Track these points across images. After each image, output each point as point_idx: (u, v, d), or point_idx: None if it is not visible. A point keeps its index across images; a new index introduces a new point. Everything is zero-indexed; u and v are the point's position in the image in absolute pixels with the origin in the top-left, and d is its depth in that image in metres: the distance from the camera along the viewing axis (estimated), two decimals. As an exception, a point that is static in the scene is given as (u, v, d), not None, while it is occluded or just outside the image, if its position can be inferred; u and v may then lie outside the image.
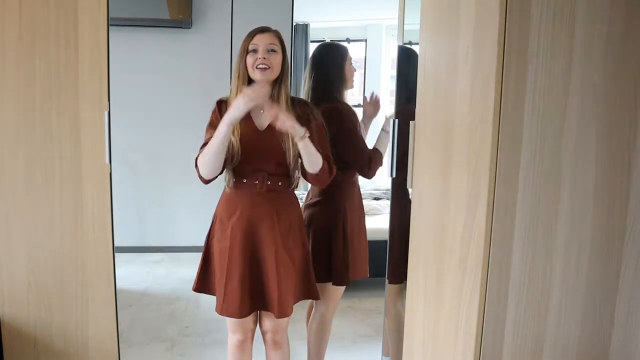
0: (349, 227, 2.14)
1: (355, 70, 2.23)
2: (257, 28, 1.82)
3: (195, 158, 1.82)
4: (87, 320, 2.01)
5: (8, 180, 1.93)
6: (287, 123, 1.68)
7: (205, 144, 1.78)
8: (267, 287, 1.82)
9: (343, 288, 2.21)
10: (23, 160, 1.92)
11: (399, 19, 2.06)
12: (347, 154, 2.09)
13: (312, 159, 1.77)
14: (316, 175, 1.81)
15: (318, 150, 1.78)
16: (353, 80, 2.22)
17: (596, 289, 1.38)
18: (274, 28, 1.85)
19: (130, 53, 4.11)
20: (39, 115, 1.90)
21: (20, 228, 1.95)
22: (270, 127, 1.80)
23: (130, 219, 4.31)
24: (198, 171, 1.79)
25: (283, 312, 1.82)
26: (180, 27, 4.12)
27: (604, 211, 1.34)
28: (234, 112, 1.68)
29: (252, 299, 1.84)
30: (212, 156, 1.73)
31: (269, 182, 1.81)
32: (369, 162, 2.12)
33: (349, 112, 2.13)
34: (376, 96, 2.30)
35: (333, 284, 2.15)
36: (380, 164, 2.17)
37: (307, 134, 1.72)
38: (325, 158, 1.82)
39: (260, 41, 1.79)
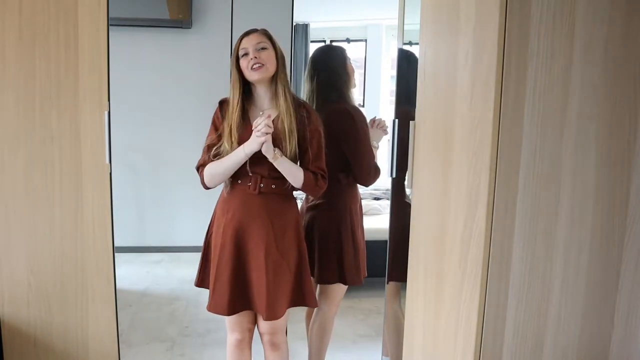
0: (356, 227, 2.15)
1: (354, 69, 2.23)
2: (244, 32, 1.83)
3: (197, 165, 1.86)
4: (87, 320, 2.01)
5: (8, 180, 1.93)
6: (263, 139, 1.70)
7: (208, 147, 1.83)
8: (256, 288, 1.82)
9: (345, 288, 2.21)
10: (23, 160, 1.92)
11: (399, 19, 2.06)
12: (354, 161, 2.08)
13: (290, 177, 1.80)
14: (300, 188, 1.84)
15: (314, 157, 1.82)
16: (354, 79, 2.23)
17: (596, 289, 1.38)
18: (260, 28, 1.85)
19: (130, 53, 4.11)
20: (39, 115, 1.90)
21: (20, 228, 1.95)
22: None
23: (130, 219, 4.31)
24: (202, 179, 1.84)
25: (272, 315, 1.81)
26: (180, 27, 4.12)
27: (604, 211, 1.34)
28: (252, 146, 1.73)
29: (241, 298, 1.83)
30: (221, 175, 1.81)
31: (261, 185, 1.81)
32: (374, 174, 2.12)
33: (358, 114, 2.11)
34: (379, 120, 2.27)
35: (347, 284, 2.15)
36: (379, 175, 2.17)
37: (278, 156, 1.75)
38: (314, 169, 1.83)
39: (248, 42, 1.79)
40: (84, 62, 1.88)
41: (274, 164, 1.76)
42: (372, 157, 2.13)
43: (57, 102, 1.90)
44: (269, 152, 1.74)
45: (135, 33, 4.10)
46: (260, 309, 1.82)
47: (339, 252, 2.12)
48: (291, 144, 1.79)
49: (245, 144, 1.75)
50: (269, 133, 1.70)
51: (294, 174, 1.80)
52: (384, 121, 2.27)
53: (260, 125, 1.70)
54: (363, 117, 2.14)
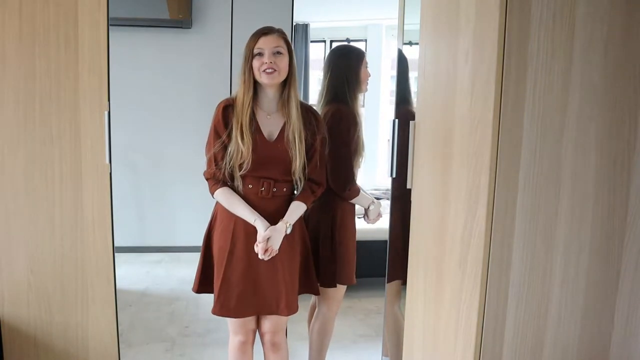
0: (338, 230, 2.13)
1: (370, 75, 2.22)
2: (261, 29, 1.80)
3: (206, 176, 1.86)
4: (87, 320, 2.01)
5: (8, 180, 1.93)
6: (273, 250, 1.78)
7: (215, 157, 1.81)
8: (270, 289, 1.83)
9: (344, 289, 2.21)
10: (23, 160, 1.92)
11: (399, 19, 2.05)
12: (330, 161, 2.05)
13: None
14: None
15: (318, 165, 1.87)
16: (367, 84, 2.22)
17: (596, 289, 1.38)
18: (277, 28, 1.83)
19: (130, 53, 4.10)
20: (39, 115, 1.90)
21: (20, 228, 1.95)
22: (279, 138, 1.81)
23: (130, 219, 4.31)
24: (211, 191, 1.86)
25: (292, 310, 1.85)
26: (180, 27, 4.12)
27: (604, 211, 1.34)
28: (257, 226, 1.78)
29: (251, 302, 1.84)
30: (229, 210, 1.83)
31: (274, 189, 1.81)
32: (343, 189, 2.10)
33: (349, 120, 2.10)
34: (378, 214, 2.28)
35: (320, 286, 2.14)
36: (355, 196, 2.15)
37: (289, 225, 1.80)
38: (314, 178, 1.86)
39: (266, 44, 1.76)
40: (84, 62, 1.88)
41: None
42: (349, 164, 2.10)
43: (57, 102, 1.90)
44: (279, 243, 1.79)
45: (135, 33, 4.10)
46: (279, 308, 1.84)
47: (316, 253, 2.12)
48: (300, 152, 1.79)
49: (259, 223, 1.77)
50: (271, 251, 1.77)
51: (301, 212, 1.86)
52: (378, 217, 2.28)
53: (260, 254, 1.76)
54: (354, 123, 2.12)
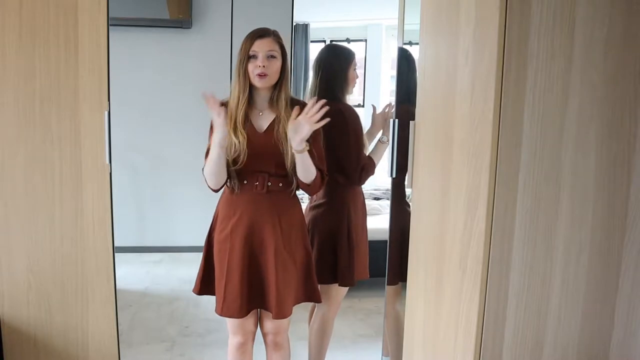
0: (354, 228, 2.15)
1: (357, 77, 2.23)
2: (257, 31, 1.81)
3: (203, 168, 1.85)
4: (87, 320, 2.01)
5: (8, 180, 1.93)
6: (303, 134, 1.69)
7: (207, 152, 1.82)
8: (266, 287, 1.83)
9: (346, 289, 2.22)
10: (23, 161, 1.92)
11: (399, 19, 2.05)
12: (343, 157, 2.09)
13: (308, 171, 1.79)
14: (307, 185, 1.82)
15: (314, 162, 1.80)
16: (353, 86, 2.23)
17: (596, 289, 1.38)
18: (272, 29, 1.84)
19: (130, 53, 4.11)
20: (39, 115, 1.90)
21: (20, 228, 1.95)
22: (269, 129, 1.81)
23: (130, 219, 4.31)
24: (206, 182, 1.84)
25: (281, 314, 1.82)
26: (180, 27, 4.13)
27: (604, 211, 1.34)
28: (218, 134, 1.70)
29: (252, 299, 1.84)
30: (212, 174, 1.79)
31: (269, 184, 1.81)
32: (360, 172, 2.12)
33: (352, 114, 2.13)
34: (388, 110, 2.27)
35: (339, 285, 2.15)
36: (372, 173, 2.17)
37: (307, 149, 1.73)
38: (319, 167, 1.83)
39: (260, 47, 1.78)
40: (84, 62, 1.88)
41: (301, 156, 1.73)
42: (362, 156, 2.13)
43: (57, 102, 1.90)
44: (302, 144, 1.71)
45: (135, 33, 4.10)
46: (270, 308, 1.83)
47: (333, 253, 2.12)
48: (292, 148, 1.79)
49: (214, 136, 1.71)
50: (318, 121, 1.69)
51: (310, 169, 1.79)
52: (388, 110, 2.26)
53: (313, 114, 1.69)
54: (355, 116, 2.14)
